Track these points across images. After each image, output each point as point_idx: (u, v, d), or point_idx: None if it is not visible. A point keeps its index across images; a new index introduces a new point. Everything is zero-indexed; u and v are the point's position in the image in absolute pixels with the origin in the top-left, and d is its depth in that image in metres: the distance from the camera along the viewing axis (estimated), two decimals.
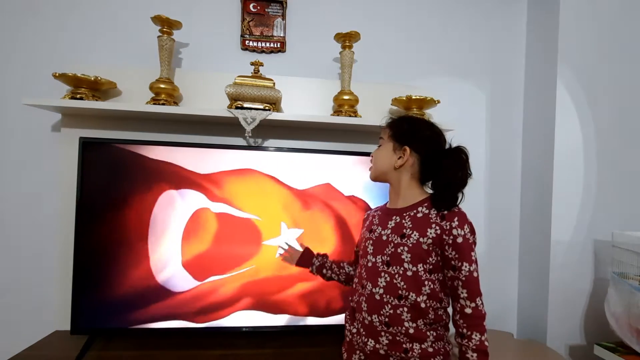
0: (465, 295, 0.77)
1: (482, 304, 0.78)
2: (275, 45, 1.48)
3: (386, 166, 0.87)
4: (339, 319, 1.29)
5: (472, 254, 0.78)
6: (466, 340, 0.76)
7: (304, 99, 1.46)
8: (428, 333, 0.79)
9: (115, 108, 1.23)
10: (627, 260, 1.26)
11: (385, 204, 0.94)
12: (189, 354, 1.18)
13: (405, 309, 0.78)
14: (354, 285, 0.91)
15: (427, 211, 0.82)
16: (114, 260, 1.18)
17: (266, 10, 1.47)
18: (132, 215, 1.19)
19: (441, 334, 0.81)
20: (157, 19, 1.28)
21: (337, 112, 1.40)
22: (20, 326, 1.33)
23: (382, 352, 0.80)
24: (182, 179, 1.22)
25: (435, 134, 0.87)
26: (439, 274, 0.80)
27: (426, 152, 0.84)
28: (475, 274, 0.78)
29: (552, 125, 1.46)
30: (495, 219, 1.63)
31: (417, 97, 1.37)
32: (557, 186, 1.45)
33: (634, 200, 1.50)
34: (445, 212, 0.80)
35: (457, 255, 0.77)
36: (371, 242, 0.87)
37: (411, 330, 0.78)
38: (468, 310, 0.77)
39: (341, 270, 1.03)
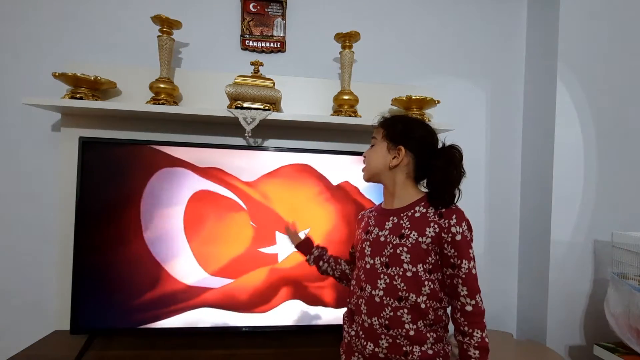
0: (466, 292, 0.77)
1: (481, 300, 0.78)
2: (275, 45, 1.48)
3: (380, 166, 0.86)
4: (338, 319, 1.29)
5: (470, 251, 0.78)
6: (468, 337, 0.76)
7: (304, 99, 1.45)
8: (428, 335, 0.78)
9: (115, 108, 1.23)
10: (627, 261, 1.26)
11: (380, 204, 0.93)
12: (189, 354, 1.18)
13: (406, 311, 0.78)
14: (351, 287, 0.90)
15: (424, 210, 0.81)
16: (114, 259, 1.18)
17: (266, 10, 1.47)
18: (131, 215, 1.19)
19: (441, 335, 0.81)
20: (157, 19, 1.28)
21: (337, 112, 1.40)
22: (19, 326, 1.33)
23: (381, 355, 0.79)
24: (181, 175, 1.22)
25: (429, 133, 0.87)
26: (438, 274, 0.80)
27: (421, 151, 0.84)
28: (474, 271, 0.78)
29: (552, 125, 1.46)
30: (495, 219, 1.63)
31: (417, 97, 1.37)
32: (557, 186, 1.45)
33: (634, 201, 1.50)
34: (443, 210, 0.79)
35: (456, 253, 0.77)
36: (368, 243, 0.86)
37: (411, 332, 0.77)
38: (469, 308, 0.77)
39: (337, 267, 1.02)
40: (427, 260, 0.79)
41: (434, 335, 0.79)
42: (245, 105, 1.28)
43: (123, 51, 1.41)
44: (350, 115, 1.37)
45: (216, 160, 1.25)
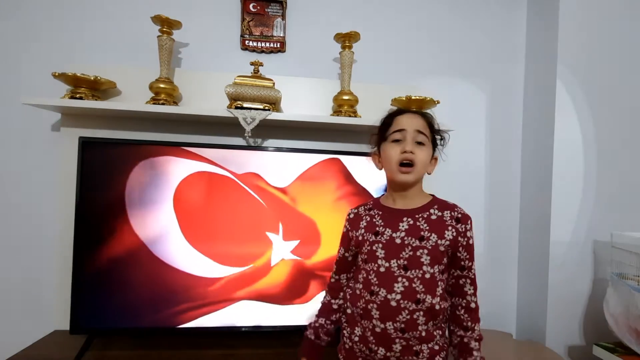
0: (472, 291, 0.82)
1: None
2: (275, 45, 1.48)
3: (425, 171, 0.84)
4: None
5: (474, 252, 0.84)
6: (470, 332, 0.81)
7: (304, 99, 1.46)
8: (435, 332, 0.79)
9: (114, 108, 1.23)
10: (627, 261, 1.26)
11: (376, 202, 0.89)
12: (189, 354, 1.18)
13: (422, 313, 0.77)
14: (356, 292, 0.84)
15: (440, 213, 0.82)
16: (114, 259, 1.18)
17: (266, 10, 1.47)
18: (131, 215, 1.19)
19: (444, 331, 0.83)
20: (157, 19, 1.28)
21: (336, 112, 1.40)
22: (19, 326, 1.33)
23: (393, 359, 0.78)
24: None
25: None
26: (446, 274, 0.83)
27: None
28: (475, 271, 0.84)
29: (552, 125, 1.46)
30: (495, 219, 1.63)
31: (417, 97, 1.37)
32: (557, 186, 1.45)
33: (633, 201, 1.50)
34: (459, 215, 0.82)
35: (467, 256, 0.82)
36: (380, 245, 0.81)
37: (423, 333, 0.77)
38: (473, 305, 0.82)
39: (332, 322, 0.93)
40: (442, 262, 0.80)
41: (440, 332, 0.81)
42: (245, 105, 1.28)
43: (123, 51, 1.41)
44: (350, 116, 1.37)
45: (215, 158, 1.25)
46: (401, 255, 0.79)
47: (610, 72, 1.49)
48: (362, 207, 0.90)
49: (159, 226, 1.21)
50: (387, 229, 0.82)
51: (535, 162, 1.57)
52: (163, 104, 1.28)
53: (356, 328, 0.83)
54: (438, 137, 0.87)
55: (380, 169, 0.88)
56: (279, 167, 1.27)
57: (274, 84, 1.32)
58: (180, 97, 1.39)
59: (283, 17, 1.48)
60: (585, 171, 1.47)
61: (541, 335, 1.46)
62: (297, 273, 1.27)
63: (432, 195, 0.87)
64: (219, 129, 1.39)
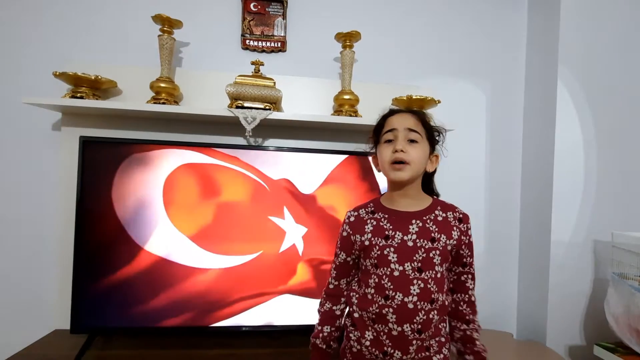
0: (472, 286, 0.87)
1: None
2: (275, 45, 1.48)
3: (422, 169, 0.83)
4: None
5: None
6: (472, 324, 0.85)
7: (305, 98, 1.46)
8: (440, 326, 0.83)
9: (115, 107, 1.23)
10: (627, 261, 1.26)
11: (379, 204, 0.87)
12: (189, 354, 1.18)
13: (435, 312, 0.79)
14: (368, 297, 0.81)
15: (444, 214, 0.84)
16: (114, 259, 1.18)
17: (267, 9, 1.47)
18: (131, 215, 1.19)
19: (446, 322, 0.86)
20: (158, 18, 1.28)
21: (337, 111, 1.40)
22: (19, 325, 1.33)
23: None
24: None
25: None
26: (448, 271, 0.86)
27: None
28: (474, 266, 0.88)
29: (552, 125, 1.46)
30: (495, 218, 1.63)
31: (418, 97, 1.37)
32: (557, 186, 1.45)
33: (634, 201, 1.50)
34: (460, 215, 0.85)
35: (469, 253, 0.85)
36: (392, 249, 0.80)
37: (433, 329, 0.80)
38: (473, 299, 0.87)
39: (337, 327, 0.91)
40: (449, 261, 0.83)
41: (444, 325, 0.84)
42: (245, 104, 1.28)
43: (124, 50, 1.41)
44: (350, 115, 1.37)
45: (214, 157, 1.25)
46: (414, 258, 0.79)
47: (611, 72, 1.49)
48: (363, 209, 0.88)
49: (160, 225, 1.20)
50: (398, 232, 0.81)
51: (535, 161, 1.57)
52: (164, 103, 1.28)
53: (367, 332, 0.81)
54: (436, 133, 0.87)
55: (379, 170, 0.88)
56: (278, 166, 1.28)
57: (274, 83, 1.32)
58: (181, 96, 1.39)
59: (284, 16, 1.48)
60: (586, 171, 1.47)
61: (542, 335, 1.46)
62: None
63: (434, 197, 0.89)
64: (220, 128, 1.39)
